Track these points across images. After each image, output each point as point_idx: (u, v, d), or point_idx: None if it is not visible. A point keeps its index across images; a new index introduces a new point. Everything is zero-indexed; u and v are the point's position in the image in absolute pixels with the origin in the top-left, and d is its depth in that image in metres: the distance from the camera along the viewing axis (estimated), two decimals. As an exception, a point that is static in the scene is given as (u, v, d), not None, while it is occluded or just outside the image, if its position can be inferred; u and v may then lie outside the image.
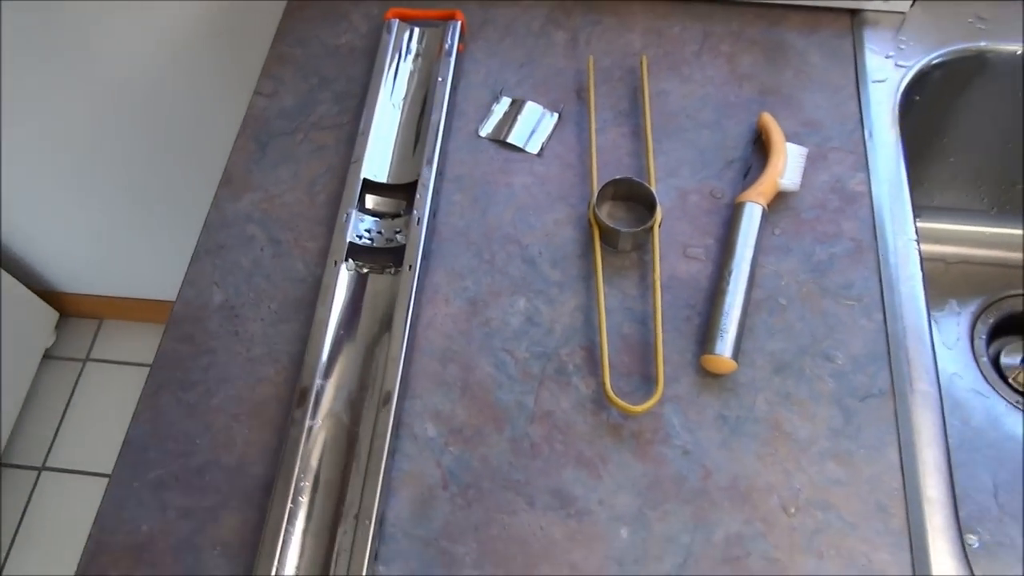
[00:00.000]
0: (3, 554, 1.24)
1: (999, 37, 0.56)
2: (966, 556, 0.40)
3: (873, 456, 0.43)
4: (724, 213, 0.50)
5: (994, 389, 0.64)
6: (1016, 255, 0.69)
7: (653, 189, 0.49)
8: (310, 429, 0.43)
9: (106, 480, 1.26)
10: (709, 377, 0.45)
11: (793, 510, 0.41)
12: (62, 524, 1.27)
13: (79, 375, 1.39)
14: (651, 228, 0.48)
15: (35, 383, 1.36)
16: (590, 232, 0.49)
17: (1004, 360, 0.66)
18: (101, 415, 1.35)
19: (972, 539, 0.58)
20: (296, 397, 0.43)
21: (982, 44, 0.55)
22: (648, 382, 0.45)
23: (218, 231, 0.51)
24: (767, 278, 0.48)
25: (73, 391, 1.38)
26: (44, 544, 1.25)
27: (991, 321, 0.67)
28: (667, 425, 0.44)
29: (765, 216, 0.48)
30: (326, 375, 0.44)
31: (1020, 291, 0.68)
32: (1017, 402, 0.63)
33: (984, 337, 0.67)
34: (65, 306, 1.40)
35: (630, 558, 0.40)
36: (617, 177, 0.49)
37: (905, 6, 0.56)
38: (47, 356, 1.39)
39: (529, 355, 0.46)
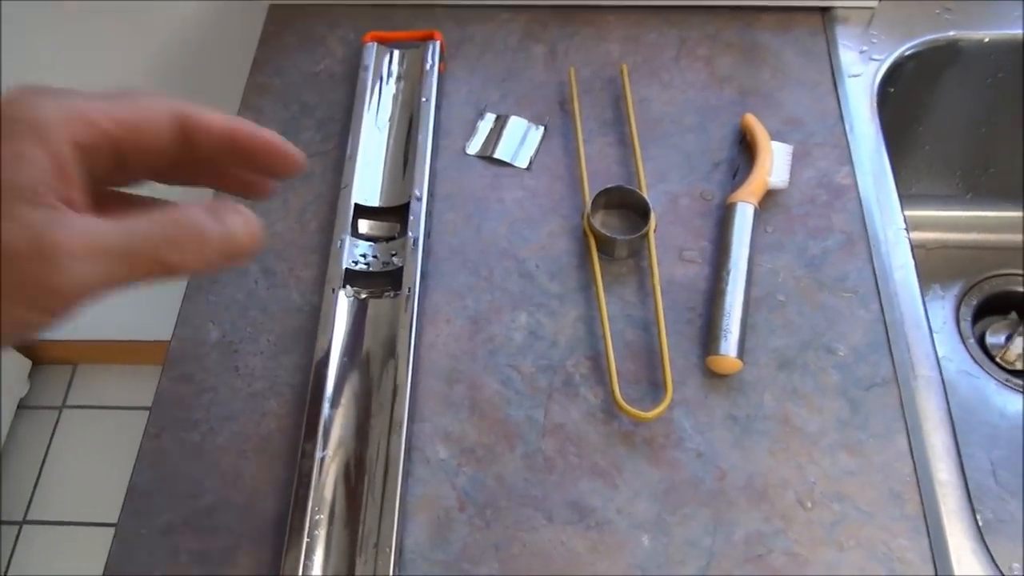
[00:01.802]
0: (-11, 613, 1.20)
1: (967, 26, 0.57)
2: (982, 536, 0.41)
3: (883, 444, 0.43)
4: (716, 215, 0.50)
5: (983, 369, 0.65)
6: (993, 237, 0.70)
7: (645, 196, 0.49)
8: (322, 460, 0.42)
9: (92, 529, 1.24)
10: (716, 378, 0.45)
11: (810, 504, 0.42)
12: (49, 579, 1.23)
13: (56, 423, 1.36)
14: (646, 234, 0.48)
15: (11, 434, 1.33)
16: (585, 242, 0.49)
17: (990, 340, 0.67)
18: (82, 463, 1.32)
19: (976, 517, 0.59)
20: (305, 429, 0.43)
21: (951, 33, 0.57)
22: (656, 387, 0.45)
23: (209, 266, 0.50)
24: (764, 276, 0.48)
25: (51, 440, 1.34)
26: (31, 600, 1.22)
27: (974, 303, 0.68)
28: (678, 429, 0.44)
29: (757, 215, 0.49)
30: (333, 404, 0.44)
31: (1000, 271, 0.69)
32: (1006, 380, 0.65)
33: (969, 319, 0.68)
34: (38, 354, 1.37)
35: (653, 565, 0.40)
36: (609, 186, 0.49)
37: (874, 2, 0.57)
38: (22, 406, 1.36)
39: (535, 369, 0.46)
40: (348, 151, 0.51)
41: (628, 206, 0.50)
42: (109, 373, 1.39)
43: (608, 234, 0.48)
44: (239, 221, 0.27)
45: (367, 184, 0.51)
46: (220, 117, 0.28)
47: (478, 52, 0.58)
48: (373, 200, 0.50)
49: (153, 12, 0.68)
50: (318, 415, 0.43)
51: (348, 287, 0.47)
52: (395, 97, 0.55)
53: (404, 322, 0.45)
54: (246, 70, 0.58)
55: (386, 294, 0.47)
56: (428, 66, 0.54)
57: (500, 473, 0.43)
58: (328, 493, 0.41)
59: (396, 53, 0.56)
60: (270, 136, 0.29)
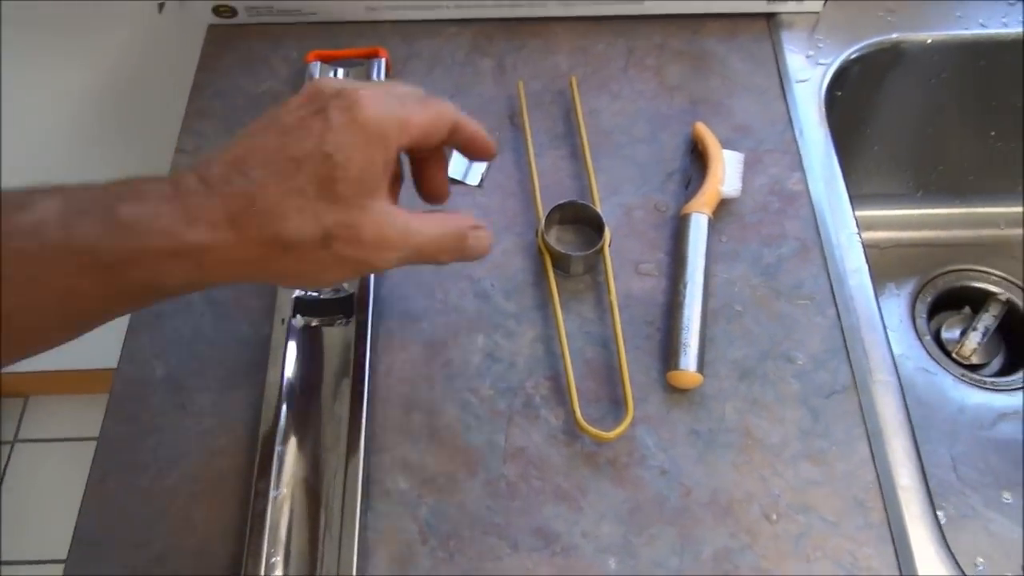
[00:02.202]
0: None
1: (909, 28, 0.58)
2: (945, 540, 0.41)
3: (845, 452, 0.43)
4: (670, 226, 0.50)
5: (940, 365, 0.66)
6: (944, 234, 0.71)
7: (599, 209, 0.49)
8: (275, 499, 0.40)
9: (52, 567, 1.19)
10: (677, 393, 0.45)
11: (775, 516, 0.41)
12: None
13: (8, 458, 1.31)
14: (601, 249, 0.47)
15: (-38, 472, 1.28)
16: (540, 259, 0.48)
17: (945, 335, 0.68)
18: (38, 498, 1.28)
19: (939, 515, 0.60)
20: (258, 467, 0.41)
21: (894, 36, 0.57)
22: (618, 405, 0.44)
23: (152, 299, 0.48)
24: (721, 286, 0.48)
25: (3, 476, 1.30)
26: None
27: (929, 300, 0.69)
28: (641, 447, 0.43)
29: (711, 225, 0.49)
30: (286, 439, 0.42)
31: (953, 267, 0.70)
32: (963, 375, 0.65)
33: (924, 316, 0.69)
34: (-14, 388, 1.32)
35: (622, 588, 0.40)
36: (562, 201, 0.49)
37: (818, 6, 0.58)
38: (-29, 443, 1.31)
39: (494, 392, 0.45)
40: (294, 175, 0.50)
41: (582, 221, 0.50)
42: (63, 404, 1.35)
43: (563, 250, 0.47)
44: (484, 238, 0.37)
45: (314, 208, 0.49)
46: (470, 122, 0.37)
47: (425, 68, 0.57)
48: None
49: (90, 37, 0.66)
50: (271, 451, 0.42)
51: (298, 316, 0.46)
52: (341, 117, 0.53)
53: (357, 350, 0.44)
54: (186, 94, 0.56)
55: (338, 322, 0.46)
56: (373, 84, 0.53)
57: (462, 501, 0.42)
58: (283, 533, 0.40)
59: (340, 71, 0.55)
60: (489, 137, 0.38)
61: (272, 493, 0.40)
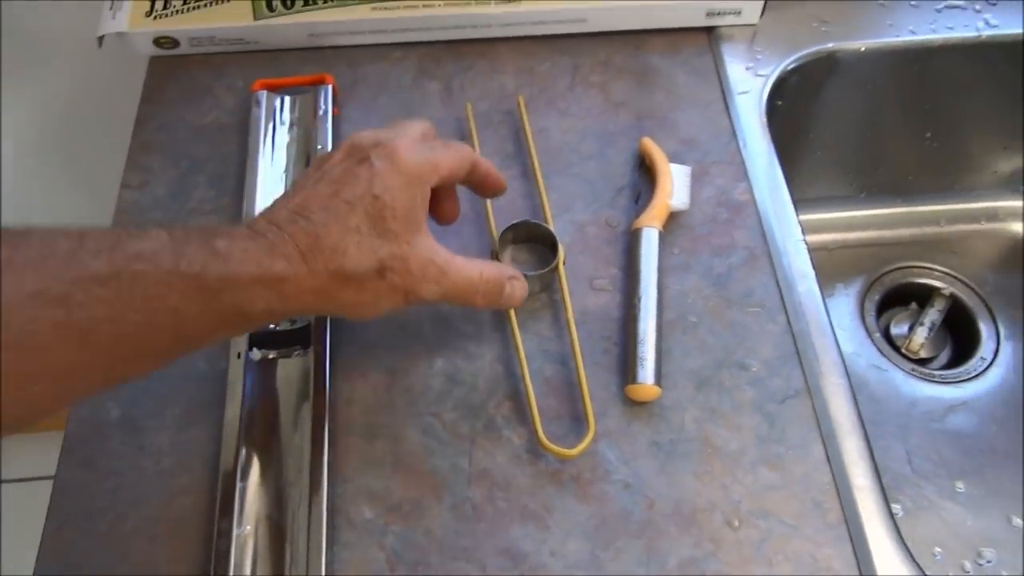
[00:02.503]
0: None
1: (843, 37, 0.59)
2: (901, 536, 0.42)
3: (801, 455, 0.44)
4: (622, 241, 0.51)
5: (890, 361, 0.68)
6: (888, 233, 0.73)
7: (552, 228, 0.49)
8: (239, 537, 0.40)
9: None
10: (636, 406, 0.45)
11: (737, 523, 0.42)
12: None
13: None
14: (556, 267, 0.48)
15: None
16: None
17: (894, 331, 0.70)
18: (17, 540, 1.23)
19: (896, 508, 0.61)
20: (219, 505, 0.41)
21: (830, 45, 0.59)
22: (579, 422, 0.45)
23: (104, 340, 0.47)
24: (674, 298, 0.49)
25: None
26: None
27: (876, 297, 0.71)
28: (604, 462, 0.44)
29: (662, 238, 0.49)
30: (246, 476, 0.42)
31: (898, 265, 0.73)
32: (912, 370, 0.67)
33: (873, 313, 0.71)
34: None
35: (591, 604, 0.40)
36: (515, 221, 0.49)
37: (755, 18, 0.59)
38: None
39: (456, 415, 0.45)
40: (244, 206, 0.50)
41: (536, 240, 0.50)
42: (22, 443, 1.31)
43: (517, 271, 0.48)
44: (520, 288, 0.43)
45: (267, 239, 0.49)
46: (484, 161, 0.43)
47: (372, 93, 0.57)
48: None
49: (28, 73, 0.65)
50: (232, 489, 0.41)
51: (255, 349, 0.45)
52: (289, 145, 0.53)
53: (317, 380, 0.44)
54: (130, 128, 0.55)
55: (296, 353, 0.46)
56: (321, 111, 0.53)
57: (429, 527, 0.42)
58: (248, 571, 0.39)
59: (287, 100, 0.55)
60: (498, 177, 0.44)
61: (235, 531, 0.40)
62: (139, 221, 0.51)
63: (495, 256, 0.48)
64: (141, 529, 0.42)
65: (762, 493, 0.43)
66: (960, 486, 0.61)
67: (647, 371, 0.45)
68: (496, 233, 0.49)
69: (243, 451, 0.42)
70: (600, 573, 0.41)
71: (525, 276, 0.47)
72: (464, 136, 0.55)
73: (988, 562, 0.58)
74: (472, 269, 0.40)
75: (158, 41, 0.57)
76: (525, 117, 0.55)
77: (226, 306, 0.32)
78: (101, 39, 0.56)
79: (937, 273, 0.72)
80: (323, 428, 0.43)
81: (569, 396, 0.46)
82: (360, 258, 0.35)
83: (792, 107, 0.61)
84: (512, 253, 0.50)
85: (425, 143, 0.39)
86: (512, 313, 0.46)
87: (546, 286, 0.49)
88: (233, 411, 0.43)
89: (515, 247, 0.51)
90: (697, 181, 0.53)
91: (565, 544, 0.41)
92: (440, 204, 0.43)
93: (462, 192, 0.52)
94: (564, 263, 0.49)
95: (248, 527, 0.40)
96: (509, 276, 0.42)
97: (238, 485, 0.41)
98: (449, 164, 0.39)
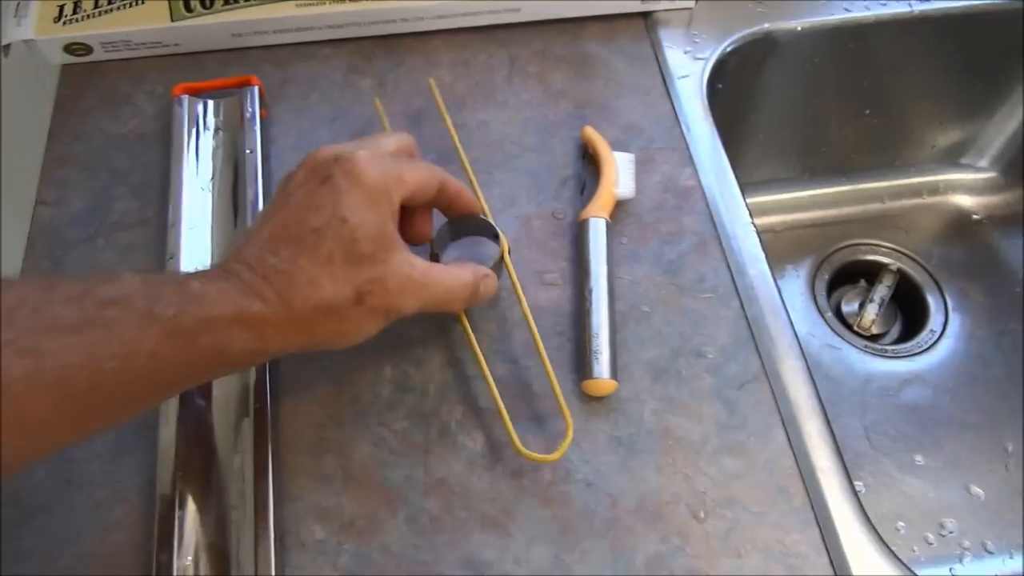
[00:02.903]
0: None
1: (779, 17, 0.59)
2: (867, 516, 0.41)
3: (763, 441, 0.43)
4: (570, 233, 0.49)
5: (843, 339, 0.68)
6: (834, 212, 0.74)
7: (491, 219, 0.47)
8: (181, 568, 0.37)
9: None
10: (594, 402, 0.44)
11: (703, 515, 0.41)
12: None
13: None
14: (501, 259, 0.46)
15: None
16: None
17: (845, 309, 0.71)
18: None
19: (858, 485, 0.61)
20: (157, 537, 0.38)
21: (766, 26, 0.59)
22: (540, 422, 0.43)
23: (24, 368, 0.44)
24: (626, 288, 0.48)
25: None
26: None
27: (826, 276, 0.72)
28: (564, 461, 0.42)
29: (610, 228, 0.48)
30: (184, 504, 0.39)
31: (845, 243, 0.73)
32: (865, 347, 0.68)
33: (824, 292, 0.71)
34: None
35: (558, 610, 0.39)
36: (451, 217, 0.47)
37: (690, 3, 0.58)
38: None
39: (408, 424, 0.43)
40: (170, 217, 0.47)
41: (477, 233, 0.48)
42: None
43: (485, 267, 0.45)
44: (492, 284, 0.43)
45: (196, 251, 0.46)
46: (454, 181, 0.41)
47: (302, 93, 0.55)
48: (204, 267, 0.46)
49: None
50: (171, 518, 0.38)
51: (189, 368, 0.43)
52: (216, 151, 0.50)
53: (257, 396, 0.42)
54: (43, 141, 0.52)
55: (233, 369, 0.43)
56: (248, 114, 0.51)
57: (385, 543, 0.40)
58: (193, 605, 0.37)
59: (211, 104, 0.52)
60: (471, 199, 0.43)
61: (175, 563, 0.37)
62: (58, 239, 0.48)
63: (434, 256, 0.46)
64: (76, 567, 0.39)
65: (726, 482, 0.42)
66: (919, 459, 0.62)
67: (602, 365, 0.43)
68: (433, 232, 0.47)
69: (180, 477, 0.40)
70: (566, 577, 0.39)
71: None
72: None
73: (950, 532, 0.58)
74: (450, 276, 0.39)
75: (69, 48, 0.54)
76: (440, 100, 0.51)
77: (204, 348, 0.31)
78: (7, 48, 0.53)
79: (884, 249, 0.72)
80: (266, 446, 0.40)
81: (524, 396, 0.44)
82: (336, 289, 0.34)
83: (733, 90, 0.60)
84: (453, 251, 0.49)
85: (390, 157, 0.37)
86: (462, 315, 0.45)
87: None
88: (168, 435, 0.41)
89: (456, 245, 0.49)
90: (642, 168, 0.52)
91: (528, 550, 0.40)
92: (412, 225, 0.42)
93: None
94: (509, 253, 0.47)
95: (189, 558, 0.38)
96: (482, 275, 0.41)
97: (177, 514, 0.39)
98: (416, 179, 0.37)
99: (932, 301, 0.70)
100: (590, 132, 0.52)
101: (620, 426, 0.43)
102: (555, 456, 0.41)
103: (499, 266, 0.46)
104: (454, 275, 0.39)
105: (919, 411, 0.64)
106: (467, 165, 0.50)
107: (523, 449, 0.41)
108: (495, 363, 0.45)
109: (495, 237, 0.47)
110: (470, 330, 0.44)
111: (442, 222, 0.47)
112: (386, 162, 0.36)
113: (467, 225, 0.48)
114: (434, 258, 0.46)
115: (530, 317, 0.44)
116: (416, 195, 0.38)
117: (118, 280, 0.31)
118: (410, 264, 0.36)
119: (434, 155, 0.52)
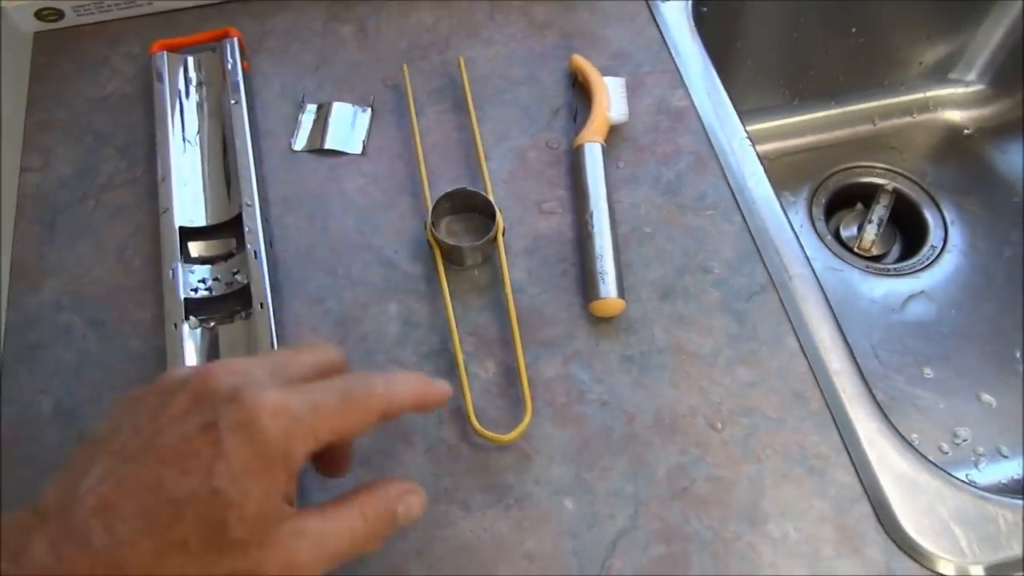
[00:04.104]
0: None
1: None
2: (884, 414, 0.41)
3: (775, 349, 0.43)
4: (566, 161, 0.49)
5: (844, 262, 0.68)
6: (826, 136, 0.73)
7: (491, 197, 0.46)
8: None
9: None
10: (603, 323, 0.44)
11: (720, 425, 0.41)
12: None
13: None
14: (494, 239, 0.45)
15: None
16: (431, 253, 0.45)
17: (844, 233, 0.70)
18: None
19: (872, 398, 0.61)
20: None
21: (747, -56, 0.58)
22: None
23: (25, 332, 0.44)
24: (626, 211, 0.47)
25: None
26: None
27: (823, 201, 0.71)
28: (578, 383, 0.42)
29: (605, 152, 0.48)
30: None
31: (840, 167, 0.72)
32: (867, 267, 0.67)
33: (822, 218, 0.71)
34: None
35: (583, 526, 0.38)
36: (450, 190, 0.45)
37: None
38: None
39: (418, 358, 0.43)
40: (159, 173, 0.46)
41: (474, 209, 0.47)
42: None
43: (452, 243, 0.44)
44: (416, 504, 0.31)
45: (189, 204, 0.46)
46: (409, 393, 0.31)
47: (283, 44, 0.54)
48: (199, 220, 0.45)
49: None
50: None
51: (192, 318, 0.42)
52: (200, 106, 0.50)
53: (263, 342, 0.41)
54: (22, 110, 0.51)
55: (237, 316, 0.43)
56: (230, 66, 0.50)
57: (404, 475, 0.40)
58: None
59: (191, 59, 0.51)
60: (438, 392, 0.32)
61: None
62: (47, 204, 0.47)
63: (428, 231, 0.44)
64: None
65: (741, 391, 0.42)
66: (928, 372, 0.62)
67: (609, 285, 0.43)
68: (429, 190, 0.46)
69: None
70: (588, 493, 0.39)
71: (461, 248, 0.44)
72: (386, 78, 0.52)
73: (964, 440, 0.58)
74: (351, 521, 0.29)
75: (40, 14, 0.53)
76: (466, 80, 0.50)
77: None
78: (-23, 19, 0.51)
79: (878, 170, 0.72)
80: (277, 389, 0.40)
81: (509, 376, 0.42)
82: None
83: (719, 13, 0.60)
84: (448, 224, 0.47)
85: (308, 390, 0.28)
86: (446, 292, 0.43)
87: (487, 258, 0.46)
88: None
89: (452, 218, 0.47)
90: (633, 93, 0.51)
91: (548, 470, 0.40)
92: (330, 460, 0.34)
93: (391, 131, 0.49)
94: (504, 233, 0.46)
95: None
96: (403, 492, 0.31)
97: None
98: (336, 427, 0.28)
99: (930, 218, 0.70)
100: (579, 60, 0.51)
101: (631, 345, 0.43)
102: (509, 438, 0.40)
103: (491, 244, 0.45)
104: (359, 515, 0.29)
105: (925, 326, 0.64)
106: (471, 104, 0.49)
107: (478, 426, 0.40)
108: (486, 347, 0.44)
109: (492, 216, 0.45)
110: (450, 304, 0.43)
111: (440, 193, 0.45)
112: (301, 412, 0.27)
113: (466, 199, 0.46)
114: (428, 231, 0.44)
115: (510, 297, 0.43)
116: (335, 443, 0.29)
117: None
118: (297, 535, 0.27)
119: (423, 94, 0.51)
